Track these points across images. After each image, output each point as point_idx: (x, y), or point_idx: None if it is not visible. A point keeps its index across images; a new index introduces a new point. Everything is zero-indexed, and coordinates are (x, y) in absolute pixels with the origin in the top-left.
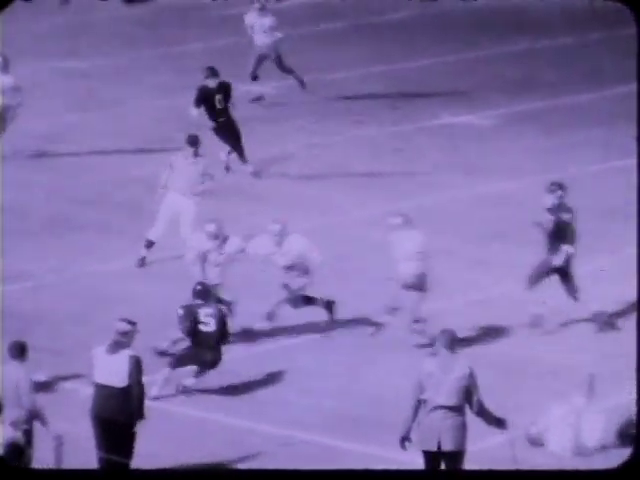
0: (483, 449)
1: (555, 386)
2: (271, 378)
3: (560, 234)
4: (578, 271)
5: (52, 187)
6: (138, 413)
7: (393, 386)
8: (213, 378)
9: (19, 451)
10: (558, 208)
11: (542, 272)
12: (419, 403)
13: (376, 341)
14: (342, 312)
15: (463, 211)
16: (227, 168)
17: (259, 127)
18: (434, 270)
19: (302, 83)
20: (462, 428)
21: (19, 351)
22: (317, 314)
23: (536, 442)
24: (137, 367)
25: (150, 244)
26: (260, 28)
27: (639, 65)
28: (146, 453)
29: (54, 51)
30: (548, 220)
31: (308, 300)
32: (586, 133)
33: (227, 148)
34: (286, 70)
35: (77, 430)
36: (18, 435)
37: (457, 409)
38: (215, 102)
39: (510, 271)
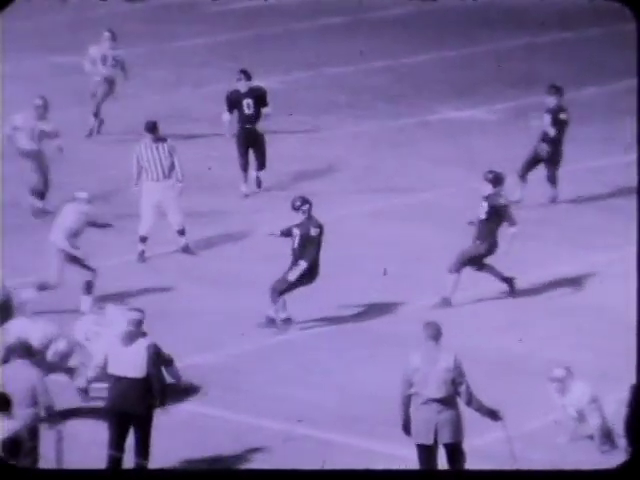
0: (480, 445)
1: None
2: (273, 374)
3: (498, 219)
4: (577, 268)
5: (53, 182)
6: (162, 401)
7: (395, 382)
8: (214, 374)
9: (18, 447)
10: (494, 195)
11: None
12: (408, 399)
13: (378, 337)
14: (343, 308)
15: (464, 206)
16: (259, 184)
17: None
18: (434, 265)
19: None
20: (457, 419)
21: (26, 350)
22: (319, 309)
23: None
24: (155, 356)
25: (144, 239)
26: (110, 62)
27: (639, 65)
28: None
29: (55, 46)
30: (483, 208)
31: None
32: (587, 128)
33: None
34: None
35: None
36: (23, 433)
37: (449, 401)
38: (243, 107)
39: (512, 267)
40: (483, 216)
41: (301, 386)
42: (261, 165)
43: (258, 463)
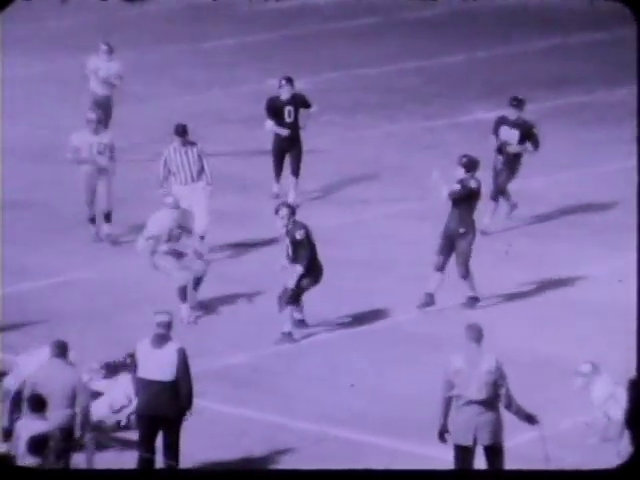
0: (514, 446)
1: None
2: (304, 375)
3: (471, 201)
4: (608, 268)
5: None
6: (188, 406)
7: (424, 383)
8: (246, 375)
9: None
10: (467, 179)
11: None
12: (449, 400)
13: (408, 337)
14: (374, 308)
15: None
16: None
17: (303, 124)
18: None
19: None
20: (497, 422)
21: (62, 350)
22: (350, 309)
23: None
24: (185, 359)
25: None
26: (103, 75)
27: (639, 66)
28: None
29: (86, 46)
30: (457, 188)
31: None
32: (618, 129)
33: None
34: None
35: None
36: (54, 433)
37: (489, 403)
38: (285, 114)
39: (545, 268)
40: (459, 200)
41: (332, 387)
42: (295, 173)
43: (289, 464)
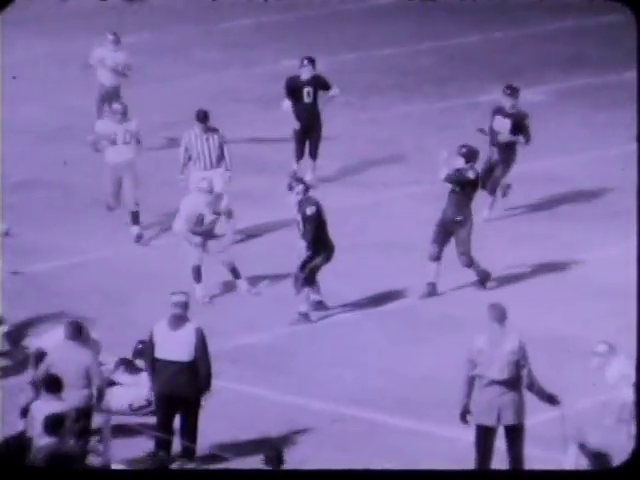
0: (531, 426)
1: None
2: (321, 355)
3: (470, 191)
4: (625, 249)
5: (99, 164)
6: (207, 386)
7: (441, 363)
8: (263, 355)
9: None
10: (465, 169)
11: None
12: (472, 379)
13: (425, 319)
14: (392, 289)
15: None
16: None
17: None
18: (483, 246)
19: None
20: (520, 402)
21: (77, 331)
22: (367, 290)
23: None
24: (203, 339)
25: None
26: (110, 64)
27: (639, 65)
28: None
29: (103, 27)
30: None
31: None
32: (632, 111)
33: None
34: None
35: None
36: (70, 413)
37: (512, 383)
38: (303, 95)
39: (561, 248)
40: (456, 188)
41: (349, 367)
42: (313, 154)
43: (306, 445)
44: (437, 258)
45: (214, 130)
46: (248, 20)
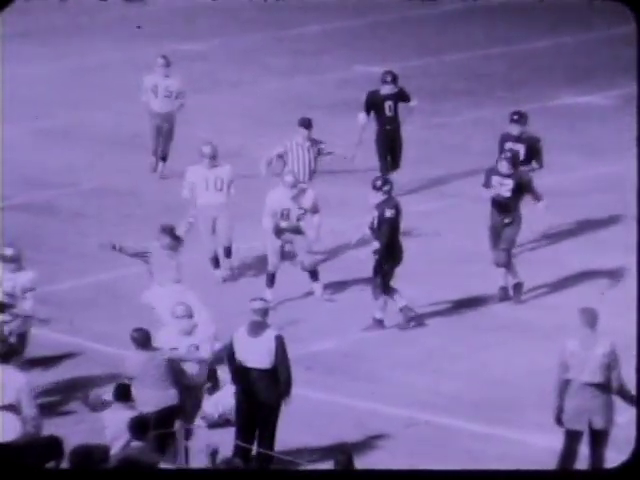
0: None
1: None
2: (394, 360)
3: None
4: None
5: (168, 170)
6: (287, 393)
7: (518, 368)
8: (337, 360)
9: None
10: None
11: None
12: (565, 383)
13: (499, 323)
14: (466, 293)
15: (582, 192)
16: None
17: (405, 120)
18: (555, 249)
19: None
20: (611, 406)
21: (145, 339)
22: (441, 295)
23: None
24: (283, 346)
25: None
26: (163, 92)
27: (639, 66)
28: None
29: (173, 33)
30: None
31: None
32: None
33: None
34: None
35: None
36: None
37: (604, 387)
38: (385, 108)
39: (628, 251)
40: (508, 193)
41: (423, 372)
42: (394, 165)
43: (380, 449)
44: (509, 261)
45: (317, 142)
46: (318, 26)
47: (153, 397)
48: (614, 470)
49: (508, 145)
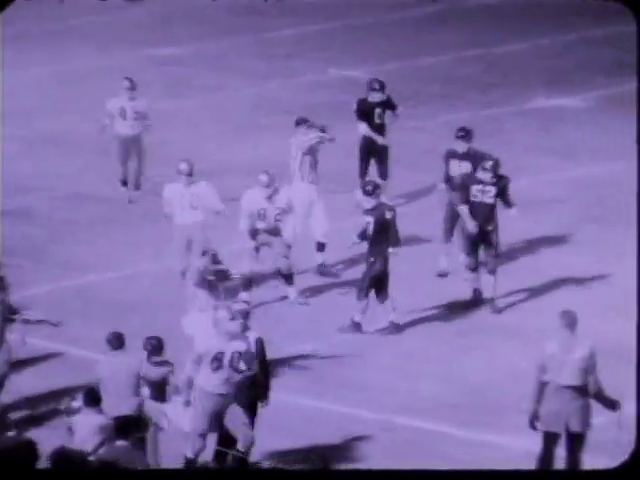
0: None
1: None
2: (374, 363)
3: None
4: None
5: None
6: (265, 396)
7: (498, 372)
8: (315, 364)
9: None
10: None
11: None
12: (542, 385)
13: (481, 327)
14: (443, 297)
15: (557, 194)
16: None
17: (352, 112)
18: (533, 253)
19: None
20: (588, 409)
21: (119, 342)
22: (423, 298)
23: None
24: (263, 349)
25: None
26: (131, 114)
27: (639, 65)
28: None
29: (149, 39)
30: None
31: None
32: None
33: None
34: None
35: None
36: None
37: (582, 390)
38: (374, 116)
39: (605, 253)
40: (491, 200)
41: (402, 376)
42: (383, 175)
43: (359, 453)
44: (476, 268)
45: (320, 129)
46: (290, 30)
47: (115, 403)
48: (614, 470)
49: (454, 162)
